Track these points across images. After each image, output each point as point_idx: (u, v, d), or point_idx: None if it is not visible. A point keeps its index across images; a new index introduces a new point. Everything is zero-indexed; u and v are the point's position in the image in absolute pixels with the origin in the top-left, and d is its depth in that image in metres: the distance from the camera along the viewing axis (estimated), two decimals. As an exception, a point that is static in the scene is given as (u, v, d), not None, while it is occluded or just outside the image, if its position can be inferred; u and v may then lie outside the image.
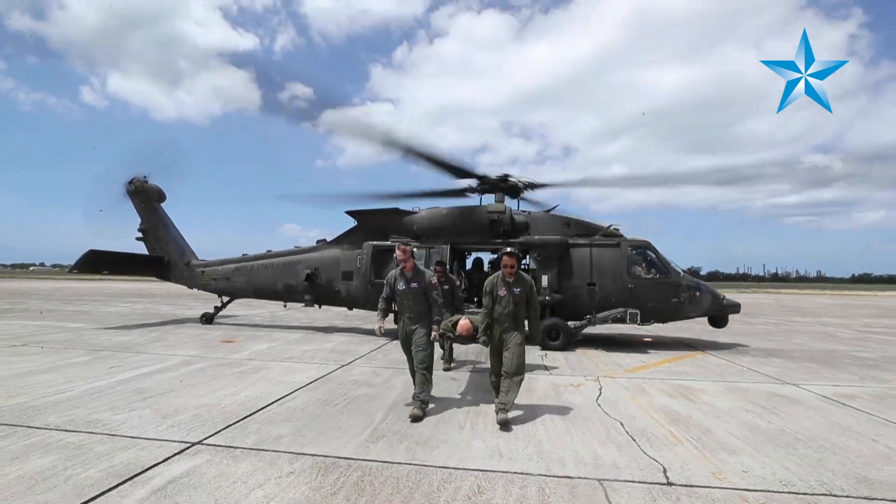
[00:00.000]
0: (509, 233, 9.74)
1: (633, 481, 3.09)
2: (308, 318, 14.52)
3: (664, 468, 3.31)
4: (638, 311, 8.70)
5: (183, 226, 13.65)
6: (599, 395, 5.47)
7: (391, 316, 7.57)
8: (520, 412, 4.64)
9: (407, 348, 4.90)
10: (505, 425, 4.15)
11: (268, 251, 11.96)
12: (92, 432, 3.87)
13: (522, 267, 10.41)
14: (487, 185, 10.34)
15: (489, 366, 4.99)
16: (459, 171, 10.02)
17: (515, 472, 3.21)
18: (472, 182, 10.35)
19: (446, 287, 6.95)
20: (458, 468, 3.28)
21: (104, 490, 2.84)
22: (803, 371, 7.14)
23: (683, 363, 7.77)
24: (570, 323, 8.95)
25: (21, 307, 17.04)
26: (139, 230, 13.13)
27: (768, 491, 2.98)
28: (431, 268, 7.23)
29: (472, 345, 7.10)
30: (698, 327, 12.46)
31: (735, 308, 9.56)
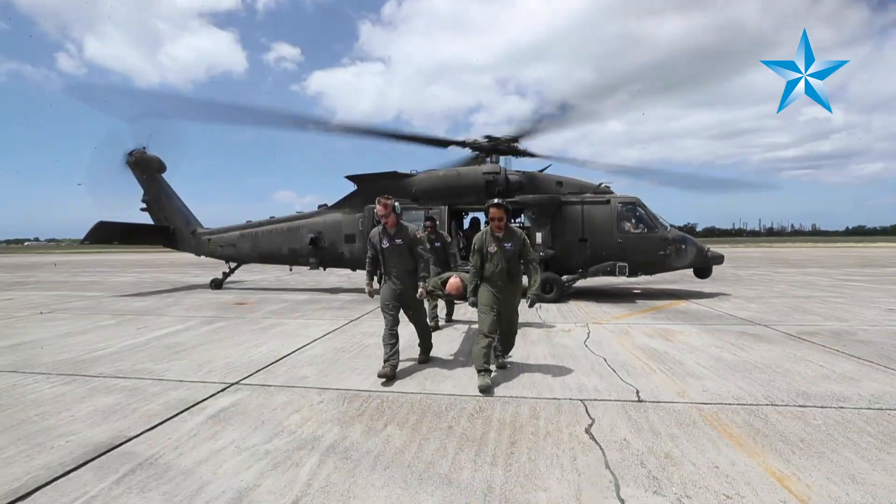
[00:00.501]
0: (504, 192, 10.13)
1: (610, 399, 3.68)
2: (313, 281, 15.08)
3: (637, 390, 3.90)
4: (626, 265, 9.26)
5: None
6: (587, 337, 6.07)
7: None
8: (514, 353, 5.22)
9: (389, 308, 4.55)
10: (502, 367, 4.57)
11: (271, 217, 12.35)
12: (141, 378, 4.44)
13: (517, 224, 10.87)
14: (475, 148, 10.64)
15: (478, 328, 4.45)
16: (446, 143, 10.31)
17: (511, 397, 3.80)
18: (464, 149, 10.66)
19: (438, 245, 6.91)
20: (462, 395, 3.87)
21: (168, 417, 3.41)
22: (775, 315, 7.76)
23: (667, 311, 8.39)
24: (563, 277, 9.52)
25: (34, 279, 17.52)
26: (143, 201, 13.43)
27: (721, 404, 3.58)
28: (423, 224, 7.17)
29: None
30: (687, 279, 13.10)
31: (718, 259, 10.12)
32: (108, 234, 12.36)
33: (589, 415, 3.37)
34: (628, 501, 2.25)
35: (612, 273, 9.34)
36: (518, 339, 5.41)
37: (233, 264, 12.82)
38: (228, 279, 13.14)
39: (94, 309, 9.29)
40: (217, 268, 13.16)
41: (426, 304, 5.71)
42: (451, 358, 5.19)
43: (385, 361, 4.29)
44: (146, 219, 13.51)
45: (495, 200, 4.39)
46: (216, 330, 6.89)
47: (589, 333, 6.34)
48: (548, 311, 8.44)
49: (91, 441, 3.02)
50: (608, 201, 9.84)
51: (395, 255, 4.57)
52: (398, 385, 4.18)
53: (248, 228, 12.36)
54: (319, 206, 11.83)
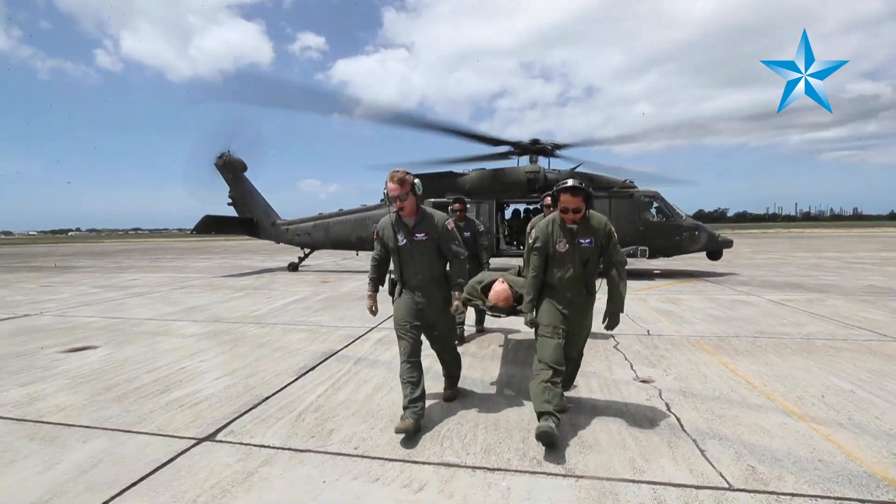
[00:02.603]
0: (543, 189, 11.97)
1: (629, 334, 5.63)
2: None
3: (648, 329, 5.84)
4: (647, 248, 11.06)
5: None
6: (613, 303, 7.99)
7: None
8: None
9: (407, 329, 3.18)
10: (562, 411, 2.94)
11: (340, 210, 14.57)
12: (308, 325, 6.60)
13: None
14: (521, 149, 12.49)
15: (537, 356, 3.05)
16: (495, 141, 12.15)
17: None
18: (509, 147, 12.51)
19: (467, 234, 5.50)
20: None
21: (350, 342, 5.53)
22: (769, 289, 9.47)
23: (681, 285, 10.19)
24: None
25: (127, 265, 20.34)
26: (229, 196, 15.83)
27: (702, 336, 5.48)
28: (450, 207, 5.71)
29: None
30: (704, 262, 14.73)
31: (727, 244, 11.80)
32: (210, 226, 14.84)
33: (615, 339, 5.34)
34: (637, 370, 4.23)
35: (634, 255, 11.15)
36: None
37: (307, 250, 15.14)
38: (303, 263, 15.49)
39: (213, 286, 11.67)
40: (260, 255, 15.44)
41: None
42: (489, 389, 3.83)
43: (405, 409, 2.97)
44: (230, 211, 15.98)
45: (569, 183, 2.97)
46: (325, 299, 9.08)
47: (615, 300, 8.26)
48: (580, 286, 10.36)
49: (317, 351, 5.16)
50: (632, 195, 11.60)
51: (417, 255, 3.18)
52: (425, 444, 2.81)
53: (320, 219, 14.62)
54: (381, 201, 13.92)
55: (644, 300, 8.26)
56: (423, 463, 2.64)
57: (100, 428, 3.14)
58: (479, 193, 12.33)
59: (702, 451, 2.68)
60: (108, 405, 3.56)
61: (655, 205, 11.59)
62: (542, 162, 12.85)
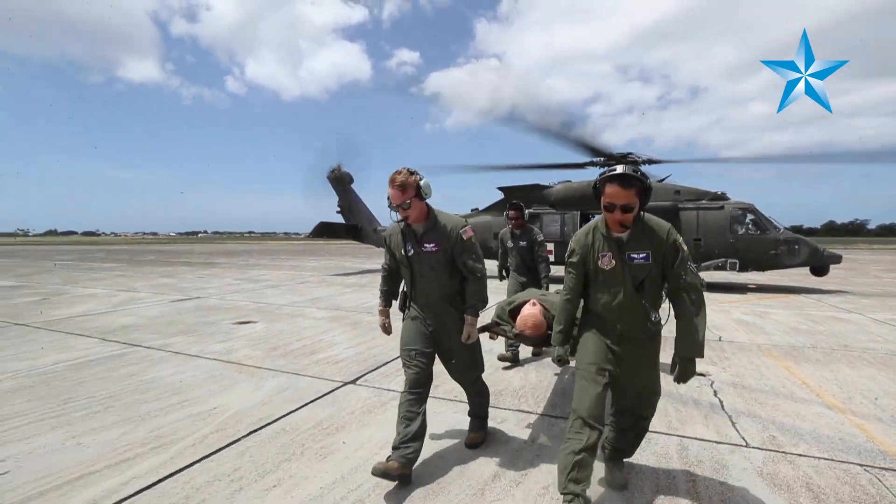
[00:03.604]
0: (627, 200, 12.25)
1: (699, 339, 6.03)
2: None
3: (720, 336, 6.17)
4: (737, 261, 10.85)
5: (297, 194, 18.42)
6: (693, 313, 8.20)
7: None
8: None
9: (413, 357, 2.68)
10: (621, 486, 2.46)
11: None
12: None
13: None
14: (611, 160, 12.84)
15: (573, 406, 2.23)
16: (586, 148, 12.58)
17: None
18: (596, 157, 12.91)
19: (524, 244, 4.93)
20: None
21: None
22: (879, 308, 8.89)
23: (774, 300, 9.90)
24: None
25: (252, 262, 23.82)
26: (338, 205, 18.10)
27: (775, 345, 5.71)
28: (506, 213, 5.12)
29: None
30: (814, 278, 13.74)
31: (834, 259, 11.08)
32: (323, 231, 17.18)
33: (684, 343, 5.80)
34: (699, 368, 4.74)
35: (722, 268, 10.98)
36: None
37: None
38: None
39: (326, 282, 13.62)
40: (359, 257, 17.32)
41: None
42: (523, 433, 3.08)
43: (393, 450, 2.47)
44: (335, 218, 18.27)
45: (618, 169, 2.13)
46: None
47: (695, 310, 8.44)
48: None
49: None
50: (722, 207, 11.42)
51: (426, 268, 2.71)
52: None
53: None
54: (472, 210, 15.10)
55: (727, 311, 8.34)
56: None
57: (279, 371, 4.53)
58: (564, 205, 12.92)
59: (732, 423, 3.29)
60: (278, 359, 4.99)
61: (749, 217, 11.29)
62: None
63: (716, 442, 3.00)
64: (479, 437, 2.97)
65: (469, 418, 3.04)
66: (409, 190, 2.55)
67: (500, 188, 13.96)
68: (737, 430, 3.16)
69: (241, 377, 4.33)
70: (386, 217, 17.91)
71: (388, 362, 4.86)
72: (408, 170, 2.58)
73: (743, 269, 11.01)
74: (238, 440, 2.99)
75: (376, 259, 22.96)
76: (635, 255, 2.21)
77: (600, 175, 2.24)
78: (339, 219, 18.16)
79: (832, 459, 2.76)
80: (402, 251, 2.74)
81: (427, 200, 2.68)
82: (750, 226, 11.24)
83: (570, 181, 13.34)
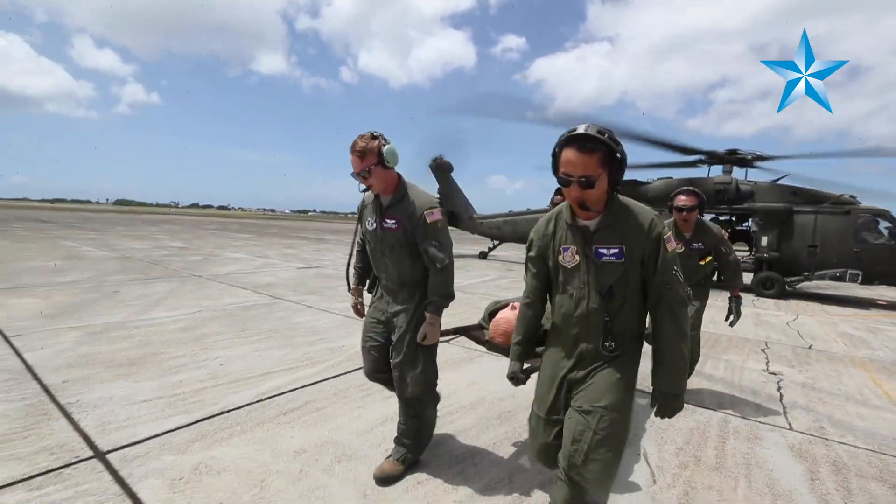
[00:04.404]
0: (733, 200, 11.63)
1: (785, 344, 5.98)
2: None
3: (811, 345, 6.03)
4: (860, 273, 9.86)
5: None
6: (794, 319, 7.86)
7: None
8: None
9: (369, 350, 2.46)
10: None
11: (528, 209, 16.50)
12: (497, 297, 8.60)
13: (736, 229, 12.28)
14: (716, 158, 12.23)
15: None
16: (686, 150, 12.18)
17: (710, 332, 6.44)
18: (701, 156, 12.38)
19: None
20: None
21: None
22: None
23: (901, 319, 8.93)
24: (786, 278, 10.69)
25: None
26: (438, 192, 19.33)
27: (874, 360, 5.50)
28: (551, 198, 4.82)
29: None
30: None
31: None
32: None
33: (766, 345, 5.82)
34: (771, 365, 4.89)
35: (841, 279, 10.04)
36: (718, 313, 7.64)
37: (496, 242, 17.59)
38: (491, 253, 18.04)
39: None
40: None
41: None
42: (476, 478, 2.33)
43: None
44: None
45: (579, 129, 1.57)
46: (513, 280, 11.06)
47: (797, 317, 8.07)
48: (764, 303, 10.00)
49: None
50: (848, 212, 10.38)
51: (386, 248, 2.32)
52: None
53: (510, 216, 16.83)
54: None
55: (833, 324, 7.85)
56: None
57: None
58: (663, 203, 12.60)
59: (785, 412, 3.59)
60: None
61: (884, 224, 10.11)
62: (739, 173, 12.34)
63: (759, 422, 3.36)
64: (394, 470, 2.33)
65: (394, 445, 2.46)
66: (369, 156, 2.14)
67: (596, 182, 13.99)
68: (785, 417, 3.47)
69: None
70: (475, 206, 18.40)
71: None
72: (371, 134, 2.18)
73: (868, 281, 9.95)
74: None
75: (467, 246, 23.98)
76: (604, 251, 1.64)
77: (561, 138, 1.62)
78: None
79: (874, 451, 3.00)
80: (367, 224, 2.39)
81: (397, 170, 2.28)
82: (884, 234, 10.09)
83: (670, 177, 12.95)
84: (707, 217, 13.76)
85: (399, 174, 2.33)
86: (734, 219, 12.97)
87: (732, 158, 12.02)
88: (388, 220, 2.27)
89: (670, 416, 1.70)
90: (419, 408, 2.39)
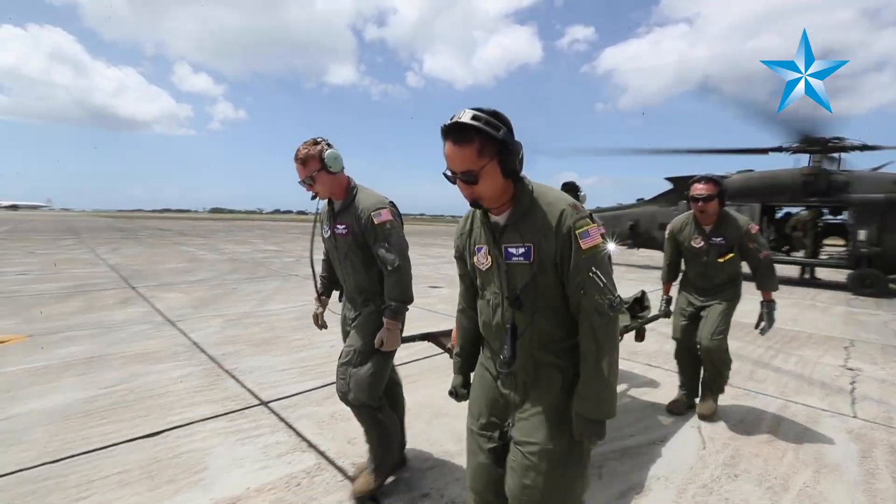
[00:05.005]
0: (825, 192, 10.88)
1: (875, 343, 5.76)
2: (621, 258, 18.59)
3: (904, 343, 5.78)
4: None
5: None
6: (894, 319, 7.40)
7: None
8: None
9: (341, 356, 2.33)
10: None
11: (596, 207, 16.43)
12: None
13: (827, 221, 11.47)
14: (808, 143, 11.46)
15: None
16: (783, 128, 11.30)
17: (787, 329, 6.34)
18: (789, 141, 11.64)
19: None
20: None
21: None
22: None
23: None
24: (889, 276, 9.87)
25: (429, 241, 27.40)
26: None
27: (978, 359, 5.19)
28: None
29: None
30: None
31: None
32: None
33: (851, 343, 5.67)
34: (851, 363, 4.86)
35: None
36: (808, 310, 7.31)
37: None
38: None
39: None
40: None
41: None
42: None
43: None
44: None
45: (455, 118, 1.31)
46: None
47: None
48: (863, 302, 9.33)
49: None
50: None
51: (340, 255, 2.29)
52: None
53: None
54: (637, 200, 15.10)
55: (941, 323, 7.27)
56: None
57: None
58: (742, 196, 12.09)
59: (852, 402, 3.70)
60: (463, 312, 6.76)
61: None
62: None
63: (821, 409, 3.54)
64: (367, 484, 2.24)
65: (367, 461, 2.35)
66: (311, 162, 2.10)
67: (669, 178, 13.66)
68: (852, 407, 3.60)
69: (438, 318, 6.19)
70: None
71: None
72: (313, 140, 2.14)
73: None
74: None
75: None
76: (513, 250, 1.43)
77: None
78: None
79: (940, 438, 3.10)
80: (324, 231, 2.35)
81: (347, 174, 2.24)
82: None
83: (751, 170, 12.34)
84: (797, 210, 12.99)
85: (349, 178, 2.26)
86: (826, 212, 12.10)
87: (830, 146, 11.21)
88: (338, 227, 2.23)
89: (591, 442, 1.40)
90: (368, 414, 2.24)
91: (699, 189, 3.10)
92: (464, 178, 1.33)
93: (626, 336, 3.05)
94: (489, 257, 1.49)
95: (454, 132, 1.30)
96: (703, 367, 3.32)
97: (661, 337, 5.28)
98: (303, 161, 2.10)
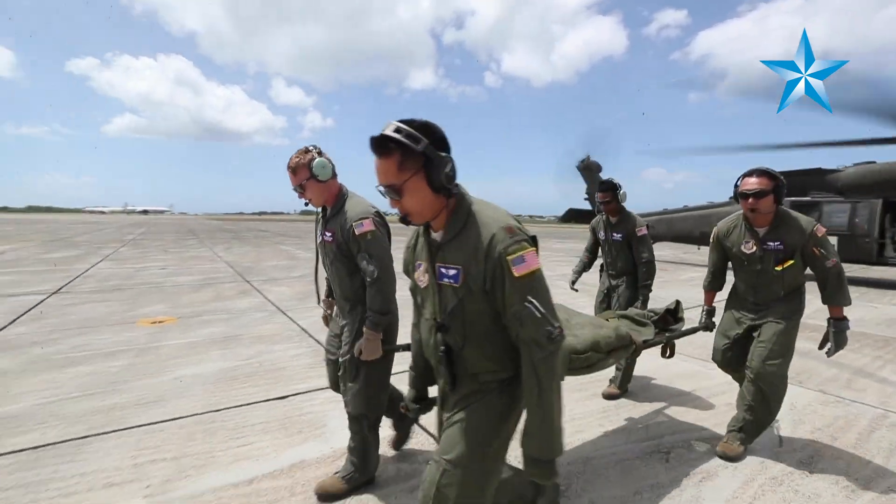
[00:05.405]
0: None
1: None
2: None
3: None
4: None
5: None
6: None
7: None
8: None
9: (326, 361, 2.59)
10: None
11: (684, 206, 15.58)
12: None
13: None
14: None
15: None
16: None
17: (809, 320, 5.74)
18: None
19: (617, 236, 3.76)
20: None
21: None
22: None
23: None
24: None
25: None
26: (586, 192, 19.41)
27: None
28: (596, 196, 4.46)
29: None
30: None
31: None
32: (572, 216, 19.09)
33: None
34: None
35: None
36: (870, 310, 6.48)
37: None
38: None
39: (565, 261, 15.31)
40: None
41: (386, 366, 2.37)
42: None
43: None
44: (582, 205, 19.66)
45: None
46: (662, 283, 10.87)
47: None
48: None
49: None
50: None
51: (327, 261, 2.34)
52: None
53: (664, 215, 16.09)
54: (730, 198, 14.08)
55: None
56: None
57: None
58: (859, 192, 10.85)
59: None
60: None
61: None
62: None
63: (872, 407, 3.35)
64: (335, 487, 2.23)
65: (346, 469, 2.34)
66: (300, 171, 2.15)
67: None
68: (965, 421, 3.33)
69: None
70: (630, 202, 18.27)
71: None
72: (305, 148, 2.19)
73: None
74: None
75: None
76: (444, 270, 1.37)
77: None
78: (586, 205, 19.51)
79: None
80: (317, 237, 2.38)
81: (339, 181, 2.26)
82: None
83: (872, 161, 11.01)
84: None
85: (341, 185, 2.28)
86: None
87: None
88: (326, 233, 2.25)
89: (540, 482, 1.36)
90: (359, 426, 2.27)
91: (750, 184, 2.55)
92: (387, 192, 1.30)
93: (654, 350, 2.72)
94: (426, 275, 1.44)
95: (375, 145, 1.27)
96: (743, 399, 2.73)
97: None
98: (293, 170, 2.17)
